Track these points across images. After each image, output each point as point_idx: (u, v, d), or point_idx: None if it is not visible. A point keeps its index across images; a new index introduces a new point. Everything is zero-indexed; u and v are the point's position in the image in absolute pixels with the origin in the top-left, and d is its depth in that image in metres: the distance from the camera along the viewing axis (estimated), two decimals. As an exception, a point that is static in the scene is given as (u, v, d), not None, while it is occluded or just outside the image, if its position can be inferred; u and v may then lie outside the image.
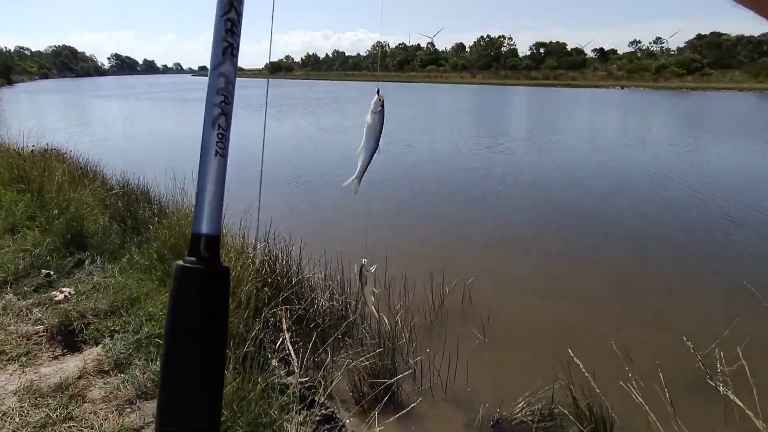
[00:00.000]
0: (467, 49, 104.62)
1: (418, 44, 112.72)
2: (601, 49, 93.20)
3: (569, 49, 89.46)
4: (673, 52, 78.98)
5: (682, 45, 78.47)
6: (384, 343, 3.32)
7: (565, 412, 2.82)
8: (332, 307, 3.88)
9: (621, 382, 2.03)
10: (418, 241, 6.18)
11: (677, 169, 10.88)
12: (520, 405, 3.05)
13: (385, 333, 3.49)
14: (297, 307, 3.64)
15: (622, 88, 52.22)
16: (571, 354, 2.30)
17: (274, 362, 3.09)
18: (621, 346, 2.94)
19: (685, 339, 2.77)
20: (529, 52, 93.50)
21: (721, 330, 2.89)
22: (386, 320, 3.58)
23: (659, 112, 27.47)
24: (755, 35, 67.10)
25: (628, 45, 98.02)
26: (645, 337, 3.57)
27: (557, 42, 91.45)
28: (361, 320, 3.80)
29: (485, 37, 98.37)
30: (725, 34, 71.51)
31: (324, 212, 7.35)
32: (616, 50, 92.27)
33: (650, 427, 1.87)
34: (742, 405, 1.49)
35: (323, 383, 2.82)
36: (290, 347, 3.22)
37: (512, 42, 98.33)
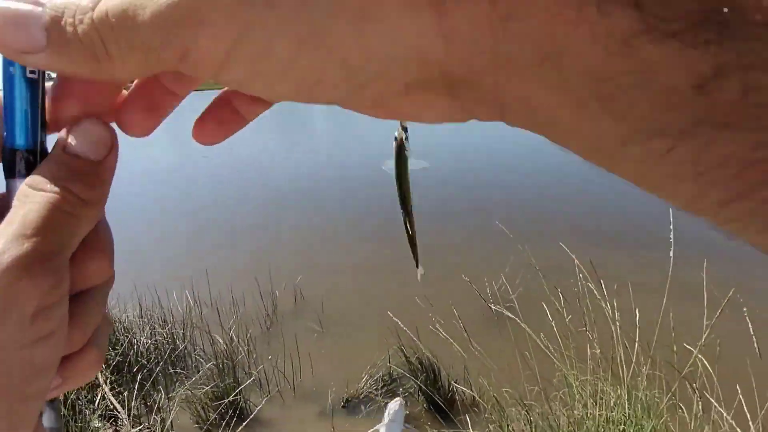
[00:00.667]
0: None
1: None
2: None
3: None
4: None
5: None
6: (222, 363, 3.21)
7: (401, 371, 3.18)
8: (156, 343, 3.55)
9: (430, 327, 2.41)
10: (237, 253, 6.02)
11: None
12: (364, 379, 3.32)
13: (221, 352, 3.36)
14: (113, 353, 3.24)
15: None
16: (391, 315, 2.62)
17: (96, 423, 2.73)
18: (429, 299, 3.46)
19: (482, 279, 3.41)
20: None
21: (504, 265, 3.62)
22: (220, 339, 3.45)
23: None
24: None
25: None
26: (447, 287, 4.21)
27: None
28: (192, 347, 3.58)
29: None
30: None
31: (124, 242, 6.53)
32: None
33: (456, 354, 2.29)
34: (512, 316, 1.96)
35: (159, 424, 2.60)
36: (113, 399, 2.87)
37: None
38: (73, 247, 0.26)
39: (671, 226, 1.59)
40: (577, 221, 5.99)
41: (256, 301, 4.24)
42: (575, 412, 1.72)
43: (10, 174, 0.26)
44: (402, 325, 2.46)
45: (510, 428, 1.82)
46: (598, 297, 1.78)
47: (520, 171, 9.15)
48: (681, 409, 1.77)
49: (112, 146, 0.27)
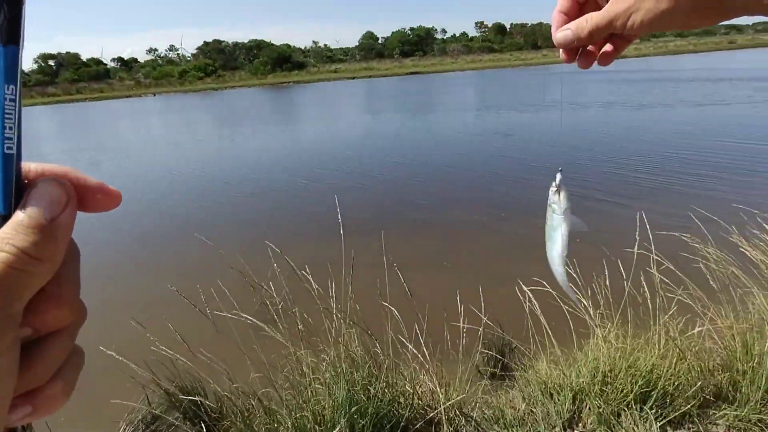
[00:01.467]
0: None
1: None
2: (122, 58, 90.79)
3: (86, 60, 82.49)
4: (189, 58, 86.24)
5: (194, 51, 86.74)
6: None
7: (160, 414, 3.00)
8: None
9: (152, 348, 2.39)
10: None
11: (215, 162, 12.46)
12: (122, 428, 3.03)
13: None
14: None
15: (154, 95, 53.27)
16: (103, 349, 2.47)
17: None
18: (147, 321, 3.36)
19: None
20: (36, 66, 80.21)
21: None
22: None
23: (197, 112, 29.98)
24: (246, 41, 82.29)
25: (147, 53, 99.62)
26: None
27: (68, 52, 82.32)
28: None
29: (-40, 51, 76.62)
30: (224, 41, 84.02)
31: None
32: (137, 59, 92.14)
33: (221, 369, 2.33)
34: (229, 315, 2.10)
35: None
36: None
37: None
38: (25, 299, 0.28)
39: (338, 210, 1.98)
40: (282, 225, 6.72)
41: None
42: (297, 386, 1.97)
43: None
44: (124, 360, 2.35)
45: (242, 418, 1.97)
46: (303, 282, 2.08)
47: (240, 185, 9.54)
48: (383, 354, 2.21)
49: (67, 204, 0.30)
